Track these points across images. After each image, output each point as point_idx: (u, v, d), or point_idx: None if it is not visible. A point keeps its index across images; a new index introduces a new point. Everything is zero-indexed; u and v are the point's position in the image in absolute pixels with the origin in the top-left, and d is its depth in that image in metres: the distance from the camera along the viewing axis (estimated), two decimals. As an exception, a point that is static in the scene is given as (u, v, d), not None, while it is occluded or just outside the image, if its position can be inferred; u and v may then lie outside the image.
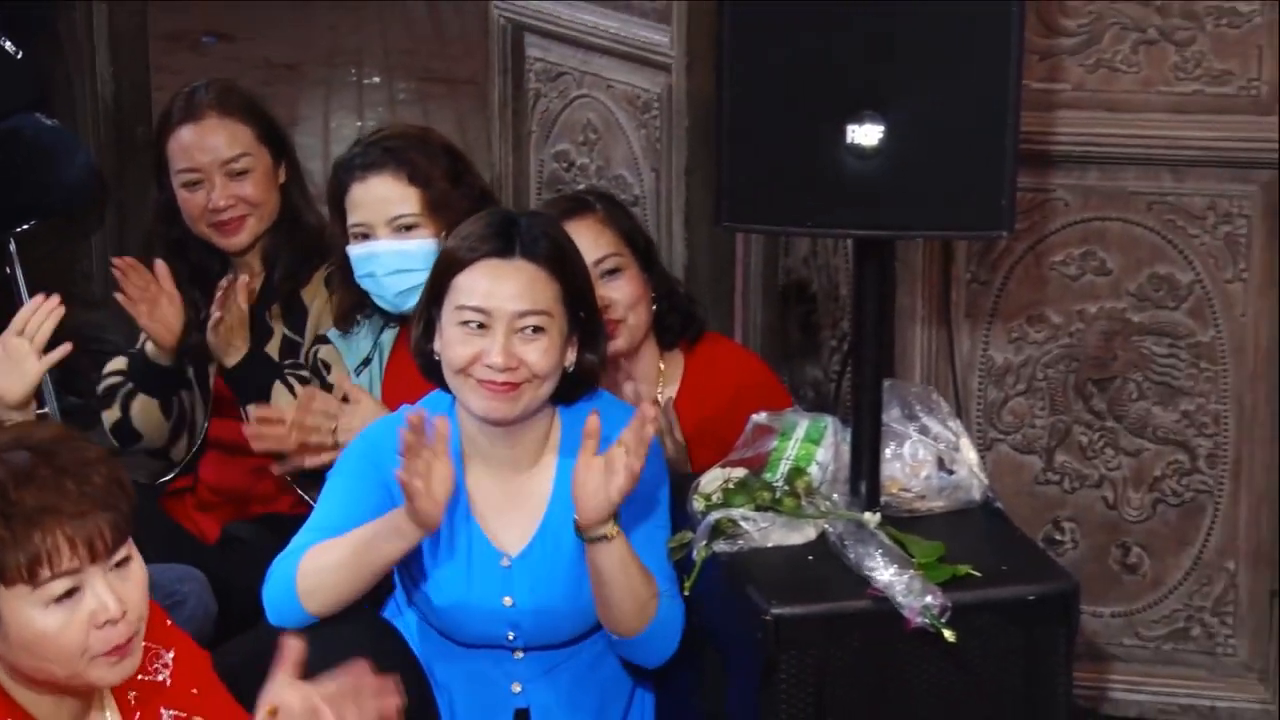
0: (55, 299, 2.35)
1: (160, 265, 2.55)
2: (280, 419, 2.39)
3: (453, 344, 2.07)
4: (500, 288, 2.05)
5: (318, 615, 2.12)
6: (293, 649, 1.79)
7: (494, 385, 2.03)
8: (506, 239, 2.09)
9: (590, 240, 2.42)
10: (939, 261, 2.74)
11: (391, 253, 2.44)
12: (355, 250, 2.43)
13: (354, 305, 2.52)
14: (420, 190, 2.43)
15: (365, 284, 2.43)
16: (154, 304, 2.54)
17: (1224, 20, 2.62)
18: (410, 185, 2.45)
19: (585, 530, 2.03)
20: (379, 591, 2.22)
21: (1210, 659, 2.93)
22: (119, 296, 2.56)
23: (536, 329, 2.06)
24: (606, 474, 2.00)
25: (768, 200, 2.21)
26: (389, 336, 2.56)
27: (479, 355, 2.03)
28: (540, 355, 2.07)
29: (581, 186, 3.18)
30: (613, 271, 2.47)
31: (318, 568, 2.11)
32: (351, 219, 2.45)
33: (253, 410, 2.51)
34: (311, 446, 2.37)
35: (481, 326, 2.04)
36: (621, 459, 1.99)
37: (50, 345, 2.37)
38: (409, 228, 2.45)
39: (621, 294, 2.47)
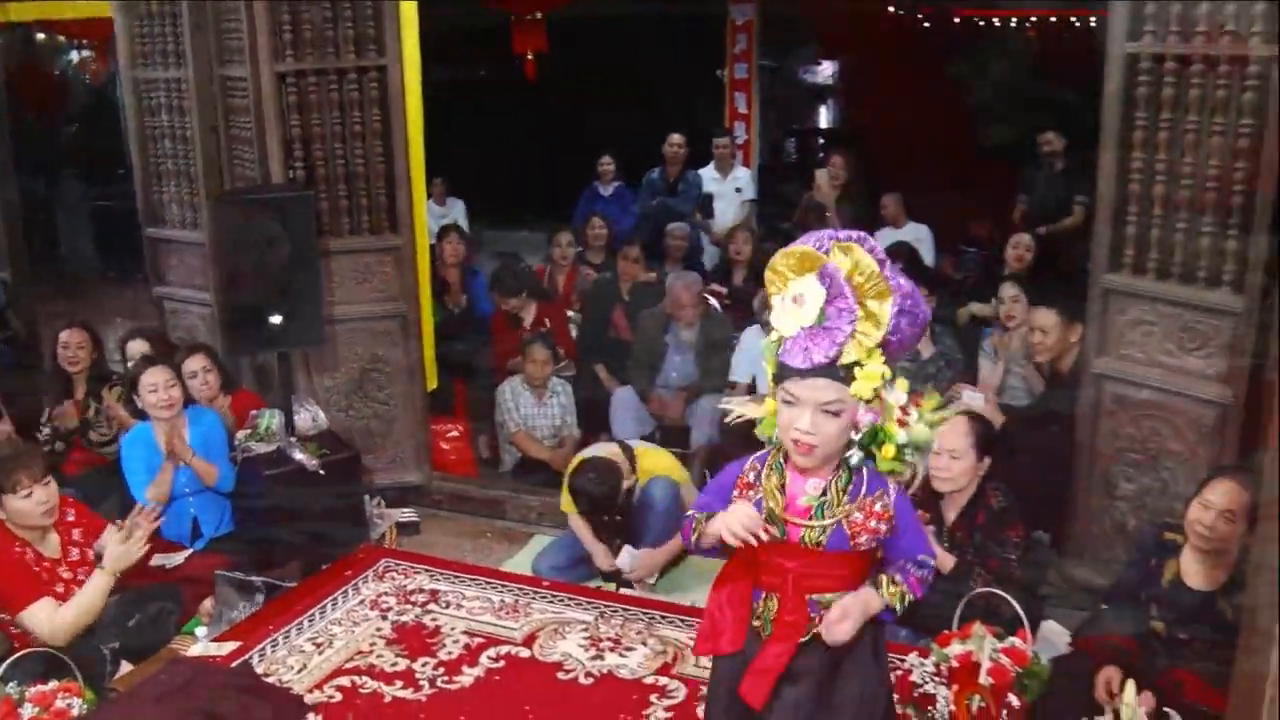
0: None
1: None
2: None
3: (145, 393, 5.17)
4: (158, 375, 5.17)
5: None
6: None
7: (166, 406, 5.14)
8: (152, 361, 5.31)
9: (202, 361, 5.40)
10: (307, 358, 5.77)
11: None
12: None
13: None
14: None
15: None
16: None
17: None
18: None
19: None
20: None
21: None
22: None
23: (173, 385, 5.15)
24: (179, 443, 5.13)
25: (247, 343, 5.34)
26: None
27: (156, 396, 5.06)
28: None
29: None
30: (210, 370, 5.43)
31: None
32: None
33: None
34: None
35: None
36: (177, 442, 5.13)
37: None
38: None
39: (213, 376, 5.45)
